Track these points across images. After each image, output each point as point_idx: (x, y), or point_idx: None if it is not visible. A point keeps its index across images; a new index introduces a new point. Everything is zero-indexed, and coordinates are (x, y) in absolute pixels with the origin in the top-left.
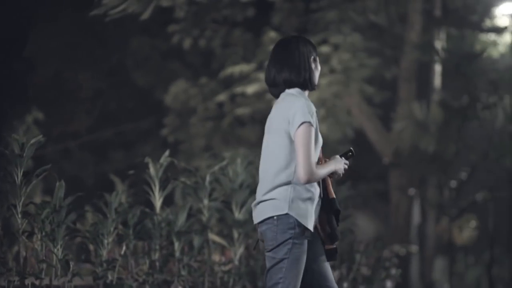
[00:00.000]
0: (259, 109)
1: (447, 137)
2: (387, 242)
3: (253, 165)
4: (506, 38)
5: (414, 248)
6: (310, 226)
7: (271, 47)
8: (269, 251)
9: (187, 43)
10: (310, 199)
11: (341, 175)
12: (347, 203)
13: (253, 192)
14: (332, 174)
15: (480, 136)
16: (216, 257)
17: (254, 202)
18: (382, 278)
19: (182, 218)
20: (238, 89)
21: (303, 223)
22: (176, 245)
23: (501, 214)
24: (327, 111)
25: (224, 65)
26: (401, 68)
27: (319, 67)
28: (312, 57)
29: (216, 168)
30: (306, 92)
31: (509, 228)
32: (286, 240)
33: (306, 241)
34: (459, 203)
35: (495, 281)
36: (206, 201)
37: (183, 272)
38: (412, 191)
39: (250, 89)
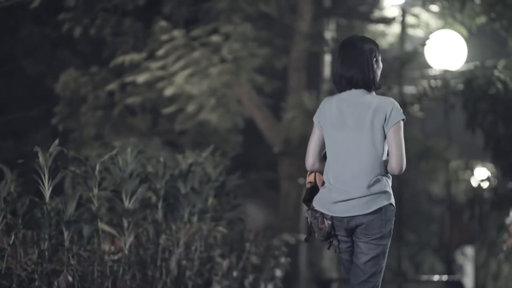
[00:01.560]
0: (150, 98)
1: None
2: (277, 231)
3: (143, 154)
4: (394, 28)
5: (303, 237)
6: None
7: (162, 36)
8: (374, 239)
9: (77, 32)
10: None
11: None
12: (237, 192)
13: (143, 181)
14: None
15: None
16: (106, 246)
17: (346, 197)
18: (272, 266)
19: (71, 208)
20: (129, 78)
21: (395, 211)
22: (66, 234)
23: None
24: (218, 100)
25: (115, 54)
26: (291, 58)
27: (381, 66)
28: (375, 58)
29: (106, 157)
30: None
31: (397, 218)
32: (391, 229)
33: None
34: None
35: None
36: (95, 190)
37: (73, 262)
38: (302, 180)
39: (141, 78)
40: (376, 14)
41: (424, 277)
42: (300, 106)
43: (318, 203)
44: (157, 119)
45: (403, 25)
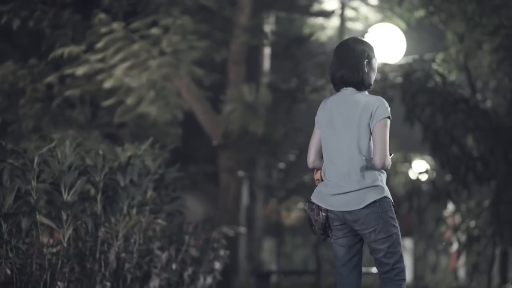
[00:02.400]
0: (89, 90)
1: (276, 120)
2: (216, 224)
3: (82, 147)
4: (334, 22)
5: (242, 229)
6: None
7: (101, 28)
8: (379, 232)
9: (15, 24)
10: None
11: None
12: (176, 185)
13: (82, 173)
14: None
15: (308, 119)
16: (44, 239)
17: (339, 191)
18: (211, 259)
19: (9, 200)
20: (68, 71)
21: (392, 202)
22: (4, 227)
23: None
24: (157, 93)
25: (54, 46)
26: (231, 51)
27: (375, 67)
28: (367, 59)
29: (45, 149)
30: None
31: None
32: (392, 217)
33: None
34: (287, 184)
35: (321, 261)
36: (34, 183)
37: (11, 255)
38: (241, 173)
39: (80, 70)
40: (316, 7)
41: (363, 269)
42: (239, 99)
43: (315, 196)
44: (96, 112)
45: (342, 18)
